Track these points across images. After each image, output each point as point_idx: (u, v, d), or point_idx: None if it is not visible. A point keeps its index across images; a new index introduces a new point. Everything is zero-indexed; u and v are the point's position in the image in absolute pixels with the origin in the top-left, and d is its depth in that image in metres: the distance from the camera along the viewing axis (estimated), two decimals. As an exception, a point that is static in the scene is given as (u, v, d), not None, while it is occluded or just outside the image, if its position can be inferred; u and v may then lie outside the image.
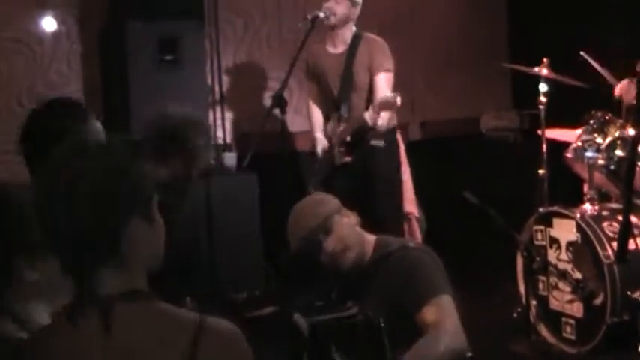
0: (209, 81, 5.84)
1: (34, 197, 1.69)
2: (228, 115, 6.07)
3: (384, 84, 5.10)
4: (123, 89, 5.24)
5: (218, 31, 5.95)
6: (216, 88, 5.97)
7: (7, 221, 2.03)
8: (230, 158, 5.58)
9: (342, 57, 5.19)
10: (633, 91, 4.52)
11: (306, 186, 5.21)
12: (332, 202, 3.20)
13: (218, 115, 5.95)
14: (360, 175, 5.09)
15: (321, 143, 5.23)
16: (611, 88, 4.70)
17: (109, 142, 1.76)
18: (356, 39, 5.19)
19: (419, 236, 5.26)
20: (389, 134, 5.08)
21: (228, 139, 6.00)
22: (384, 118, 4.93)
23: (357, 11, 5.17)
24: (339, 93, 5.18)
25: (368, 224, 5.16)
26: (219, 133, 5.93)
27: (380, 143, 5.00)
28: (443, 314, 2.91)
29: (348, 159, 5.10)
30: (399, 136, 5.27)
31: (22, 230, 2.01)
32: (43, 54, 5.60)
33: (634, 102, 4.52)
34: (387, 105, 4.77)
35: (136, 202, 1.67)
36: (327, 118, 5.29)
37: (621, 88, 4.63)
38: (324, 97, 5.31)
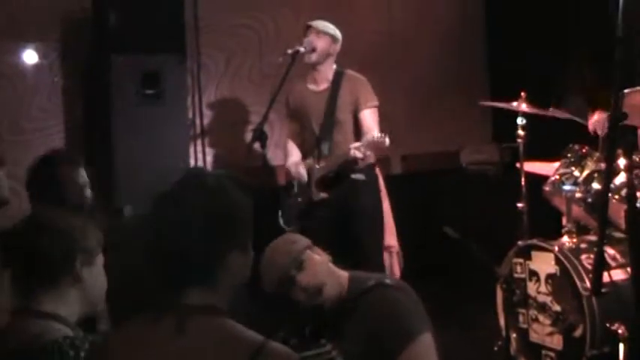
0: (190, 115, 5.86)
1: (149, 214, 1.93)
2: (210, 149, 6.09)
3: (371, 120, 5.11)
4: (105, 123, 5.24)
5: (200, 65, 5.99)
6: (198, 122, 6.00)
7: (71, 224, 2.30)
8: (211, 192, 5.58)
9: (324, 95, 5.19)
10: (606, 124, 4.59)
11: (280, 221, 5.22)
12: (302, 240, 3.18)
13: (199, 148, 5.97)
14: (341, 209, 5.08)
15: (295, 165, 5.21)
16: (586, 126, 4.76)
17: (221, 181, 1.95)
18: (338, 76, 5.20)
19: (398, 269, 5.27)
20: (368, 168, 5.10)
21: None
22: (370, 157, 4.95)
23: (337, 47, 5.20)
24: (320, 131, 5.17)
25: (350, 258, 5.19)
26: (201, 167, 5.94)
27: (361, 177, 5.02)
28: (424, 356, 2.92)
29: (325, 195, 5.09)
30: (377, 170, 5.28)
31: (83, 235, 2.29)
32: (24, 88, 5.61)
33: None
34: (375, 145, 4.77)
35: (238, 237, 1.93)
36: (304, 156, 5.28)
37: (594, 123, 4.69)
38: (305, 134, 5.29)
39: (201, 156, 5.98)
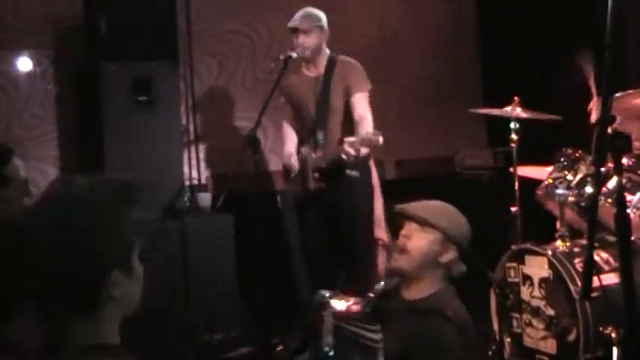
0: (183, 121, 5.86)
1: (15, 239, 1.71)
2: (203, 156, 6.09)
3: (362, 104, 5.14)
4: (98, 130, 5.24)
5: (192, 71, 5.98)
6: (191, 128, 6.00)
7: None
8: (204, 198, 5.58)
9: (317, 80, 5.21)
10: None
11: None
12: (453, 224, 3.23)
13: (192, 155, 5.97)
14: (334, 203, 5.10)
15: (288, 157, 5.25)
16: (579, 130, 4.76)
17: (94, 193, 1.70)
18: (331, 62, 5.23)
19: (384, 262, 5.28)
20: (362, 161, 5.10)
21: (203, 180, 6.01)
22: (363, 153, 4.96)
23: (326, 34, 5.21)
24: (315, 117, 5.19)
25: (342, 250, 5.22)
26: (194, 174, 5.93)
27: (355, 174, 5.03)
28: None
29: (322, 185, 5.10)
30: (371, 163, 5.28)
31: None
32: (17, 95, 5.61)
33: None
34: (369, 143, 4.78)
35: (119, 256, 1.68)
36: (301, 142, 5.30)
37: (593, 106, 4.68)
38: (299, 120, 5.32)
39: (195, 162, 5.97)
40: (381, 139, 4.68)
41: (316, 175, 5.11)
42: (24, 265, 1.66)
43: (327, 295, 3.17)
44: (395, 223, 3.33)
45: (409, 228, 3.19)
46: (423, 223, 3.17)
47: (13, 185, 3.16)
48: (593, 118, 4.69)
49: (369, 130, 4.92)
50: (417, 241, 3.16)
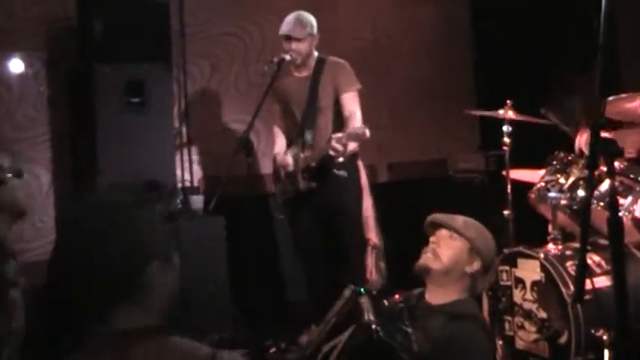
0: (176, 123, 5.86)
1: (61, 235, 1.91)
2: (195, 158, 6.08)
3: (352, 104, 5.17)
4: (90, 132, 5.23)
5: (185, 74, 5.98)
6: (184, 130, 6.00)
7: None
8: (197, 201, 5.58)
9: (306, 80, 5.24)
10: None
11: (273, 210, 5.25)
12: (486, 245, 3.37)
13: (185, 157, 5.96)
14: (324, 203, 5.12)
15: (287, 158, 5.25)
16: (572, 139, 4.78)
17: (136, 190, 1.91)
18: (319, 63, 5.26)
19: (372, 262, 5.28)
20: (350, 161, 5.11)
21: (196, 182, 6.00)
22: (350, 149, 4.96)
23: (317, 38, 5.23)
24: (303, 117, 5.22)
25: (333, 251, 5.23)
26: (187, 176, 5.93)
27: (343, 174, 5.04)
28: None
29: (312, 184, 5.11)
30: (359, 162, 5.29)
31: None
32: (10, 97, 5.59)
33: None
34: (356, 137, 4.80)
35: (155, 247, 1.85)
36: (290, 143, 5.33)
37: (580, 141, 4.70)
38: (288, 121, 5.34)
39: (187, 165, 5.97)
40: (367, 132, 4.71)
41: (305, 174, 5.12)
42: (76, 258, 1.82)
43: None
44: (425, 234, 3.43)
45: (439, 235, 3.34)
46: (453, 230, 3.31)
47: None
48: (577, 146, 4.72)
49: (357, 125, 4.94)
50: (446, 247, 3.29)
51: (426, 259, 3.30)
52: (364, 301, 2.90)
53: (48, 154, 5.65)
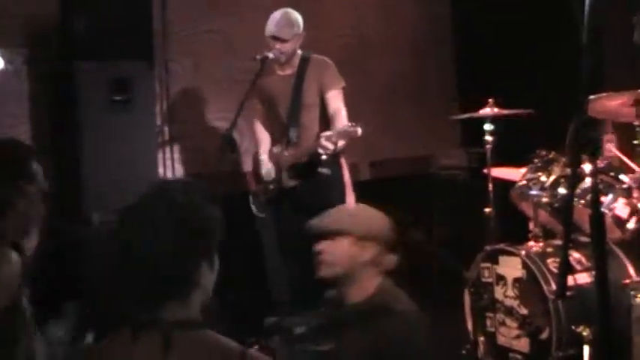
0: (159, 121, 5.85)
1: (118, 232, 1.96)
2: (178, 156, 6.07)
3: (337, 102, 5.18)
4: (73, 130, 5.21)
5: (168, 71, 5.97)
6: (166, 128, 5.99)
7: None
8: (180, 198, 5.57)
9: (290, 78, 5.23)
10: None
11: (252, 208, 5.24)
12: (364, 224, 3.19)
13: (168, 155, 5.95)
14: (308, 201, 5.11)
15: (266, 166, 5.24)
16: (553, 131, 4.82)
17: (188, 194, 1.98)
18: (303, 61, 5.25)
19: None
20: (334, 159, 5.13)
21: (178, 180, 6.00)
22: (339, 147, 4.97)
23: (302, 36, 5.23)
24: (288, 115, 5.21)
25: (312, 246, 5.23)
26: (169, 173, 5.92)
27: (327, 172, 5.06)
28: None
29: (295, 182, 5.13)
30: (342, 160, 5.30)
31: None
32: (-9, 94, 5.56)
33: None
34: (346, 135, 4.79)
35: (206, 250, 1.98)
36: (273, 142, 5.32)
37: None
38: (272, 119, 5.33)
39: (170, 162, 5.96)
40: (359, 130, 4.71)
41: (290, 172, 5.13)
42: (130, 256, 1.92)
43: (275, 320, 3.20)
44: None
45: (319, 243, 3.19)
46: (328, 233, 3.17)
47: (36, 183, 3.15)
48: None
49: (344, 123, 4.95)
50: (330, 253, 3.15)
51: (319, 271, 3.18)
52: (278, 347, 2.92)
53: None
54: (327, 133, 4.83)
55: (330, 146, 4.78)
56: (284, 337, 3.03)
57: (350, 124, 4.81)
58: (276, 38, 5.12)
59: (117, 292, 1.98)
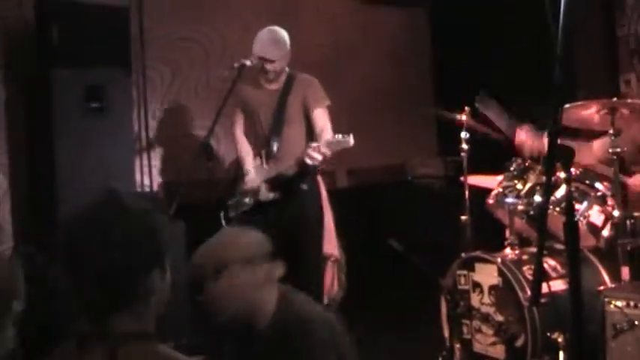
0: (136, 128, 5.83)
1: (65, 239, 1.89)
2: (155, 163, 6.06)
3: (323, 119, 5.18)
4: (48, 137, 5.19)
5: (145, 78, 5.96)
6: (143, 135, 5.97)
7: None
8: (157, 206, 5.54)
9: (276, 93, 5.22)
10: (535, 141, 4.68)
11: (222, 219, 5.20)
12: (242, 248, 2.95)
13: (145, 162, 5.94)
14: (284, 216, 5.11)
15: (253, 182, 5.20)
16: (511, 137, 4.87)
17: (139, 199, 1.93)
18: (290, 78, 5.26)
19: (334, 277, 5.30)
20: (311, 174, 5.14)
21: (155, 187, 5.98)
22: (327, 156, 4.92)
23: (290, 54, 5.23)
24: (270, 129, 5.19)
25: (290, 264, 5.23)
26: (146, 181, 5.91)
27: (304, 187, 5.07)
28: None
29: (274, 195, 5.12)
30: (319, 177, 5.31)
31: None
32: (-34, 101, 5.53)
33: (536, 151, 4.69)
34: (338, 145, 4.80)
35: (158, 258, 1.91)
36: (254, 153, 5.29)
37: (520, 141, 4.79)
38: (253, 131, 5.30)
39: (147, 170, 5.95)
40: (351, 140, 4.73)
41: (268, 185, 5.12)
42: (77, 264, 1.85)
43: None
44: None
45: (205, 291, 2.91)
46: (210, 279, 2.89)
47: None
48: (517, 141, 4.79)
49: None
50: (221, 292, 2.88)
51: (219, 318, 2.90)
52: None
53: (4, 160, 5.58)
54: (315, 143, 4.84)
55: (319, 156, 4.78)
56: None
57: (341, 135, 4.80)
58: (263, 59, 5.11)
59: (62, 303, 1.94)
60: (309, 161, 4.83)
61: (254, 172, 5.21)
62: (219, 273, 2.86)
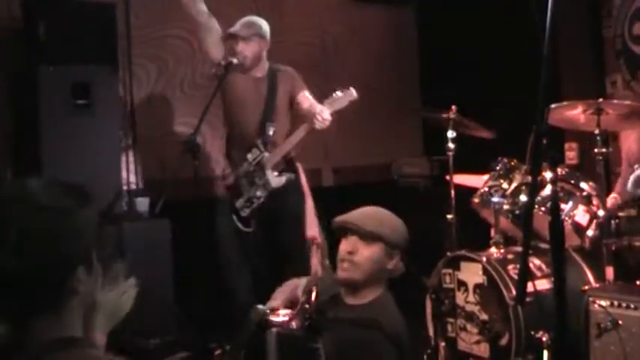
0: (122, 125, 5.82)
1: None
2: (141, 160, 6.04)
3: (310, 98, 5.30)
4: (35, 133, 5.17)
5: (131, 76, 5.95)
6: (129, 132, 5.96)
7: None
8: (142, 204, 5.54)
9: (261, 81, 5.27)
10: None
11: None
12: (399, 233, 3.20)
13: (131, 159, 5.92)
14: (269, 205, 5.14)
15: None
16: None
17: (55, 191, 1.72)
18: (273, 69, 5.32)
19: (317, 262, 5.33)
20: (290, 164, 5.22)
21: (141, 184, 5.97)
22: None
23: (267, 44, 5.25)
24: (263, 113, 5.23)
25: (278, 252, 5.26)
26: (132, 178, 5.90)
27: (291, 176, 5.13)
28: None
29: (284, 179, 5.18)
30: (298, 164, 5.38)
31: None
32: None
33: None
34: (343, 101, 5.12)
35: (82, 253, 1.71)
36: (248, 147, 5.25)
37: None
38: (244, 122, 5.27)
39: (133, 167, 5.94)
40: (354, 92, 5.09)
41: (276, 171, 5.16)
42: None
43: (266, 311, 3.16)
44: (335, 235, 3.25)
45: (353, 241, 3.14)
46: (367, 235, 3.13)
47: None
48: None
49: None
50: (364, 253, 3.11)
51: (346, 270, 3.13)
52: (269, 338, 2.93)
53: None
54: (319, 107, 5.03)
55: (328, 117, 5.02)
56: (277, 330, 3.01)
57: (340, 91, 5.09)
58: (233, 36, 5.14)
59: None
60: (318, 125, 5.00)
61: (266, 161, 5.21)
62: (372, 240, 3.09)
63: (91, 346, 1.75)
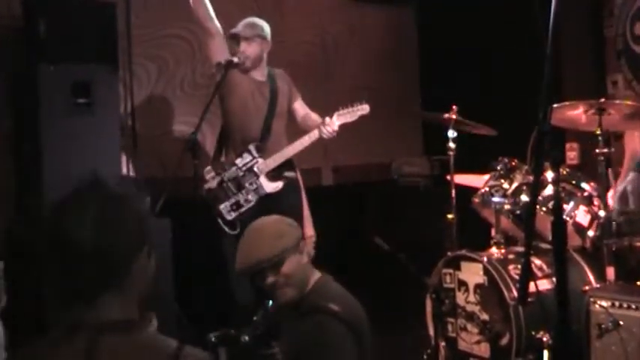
0: (122, 125, 5.81)
1: (52, 223, 1.85)
2: (141, 160, 6.04)
3: (304, 106, 5.40)
4: (35, 132, 5.16)
5: (132, 75, 5.95)
6: (130, 132, 5.95)
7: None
8: (142, 202, 5.52)
9: (263, 85, 5.28)
10: None
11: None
12: (293, 234, 3.15)
13: (131, 158, 5.92)
14: (266, 206, 5.13)
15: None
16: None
17: (122, 186, 1.93)
18: (272, 73, 5.34)
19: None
20: (289, 164, 5.24)
21: (141, 184, 5.96)
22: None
23: (269, 45, 5.25)
24: (265, 120, 5.23)
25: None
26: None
27: (291, 174, 5.14)
28: None
29: (278, 184, 5.17)
30: (294, 164, 5.39)
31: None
32: (-49, 98, 5.49)
33: None
34: (354, 114, 5.20)
35: (143, 240, 1.89)
36: (222, 143, 5.30)
37: None
38: (244, 125, 5.26)
39: (133, 166, 5.93)
40: (367, 106, 5.18)
41: (270, 176, 5.16)
42: (66, 248, 1.80)
43: (216, 336, 3.13)
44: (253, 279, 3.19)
45: (263, 275, 3.10)
46: (269, 263, 3.08)
47: None
48: None
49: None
50: (281, 274, 3.08)
51: (284, 294, 3.10)
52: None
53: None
54: (328, 118, 5.10)
55: (336, 128, 5.10)
56: (230, 348, 3.01)
57: (353, 104, 5.16)
58: (235, 36, 5.14)
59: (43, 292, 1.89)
60: (325, 136, 5.08)
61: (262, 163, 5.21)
62: (281, 262, 3.07)
63: (148, 327, 1.86)
